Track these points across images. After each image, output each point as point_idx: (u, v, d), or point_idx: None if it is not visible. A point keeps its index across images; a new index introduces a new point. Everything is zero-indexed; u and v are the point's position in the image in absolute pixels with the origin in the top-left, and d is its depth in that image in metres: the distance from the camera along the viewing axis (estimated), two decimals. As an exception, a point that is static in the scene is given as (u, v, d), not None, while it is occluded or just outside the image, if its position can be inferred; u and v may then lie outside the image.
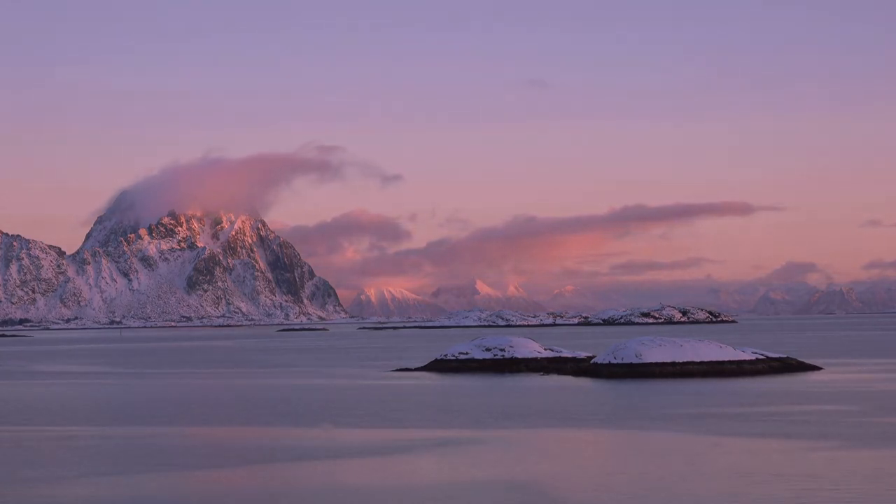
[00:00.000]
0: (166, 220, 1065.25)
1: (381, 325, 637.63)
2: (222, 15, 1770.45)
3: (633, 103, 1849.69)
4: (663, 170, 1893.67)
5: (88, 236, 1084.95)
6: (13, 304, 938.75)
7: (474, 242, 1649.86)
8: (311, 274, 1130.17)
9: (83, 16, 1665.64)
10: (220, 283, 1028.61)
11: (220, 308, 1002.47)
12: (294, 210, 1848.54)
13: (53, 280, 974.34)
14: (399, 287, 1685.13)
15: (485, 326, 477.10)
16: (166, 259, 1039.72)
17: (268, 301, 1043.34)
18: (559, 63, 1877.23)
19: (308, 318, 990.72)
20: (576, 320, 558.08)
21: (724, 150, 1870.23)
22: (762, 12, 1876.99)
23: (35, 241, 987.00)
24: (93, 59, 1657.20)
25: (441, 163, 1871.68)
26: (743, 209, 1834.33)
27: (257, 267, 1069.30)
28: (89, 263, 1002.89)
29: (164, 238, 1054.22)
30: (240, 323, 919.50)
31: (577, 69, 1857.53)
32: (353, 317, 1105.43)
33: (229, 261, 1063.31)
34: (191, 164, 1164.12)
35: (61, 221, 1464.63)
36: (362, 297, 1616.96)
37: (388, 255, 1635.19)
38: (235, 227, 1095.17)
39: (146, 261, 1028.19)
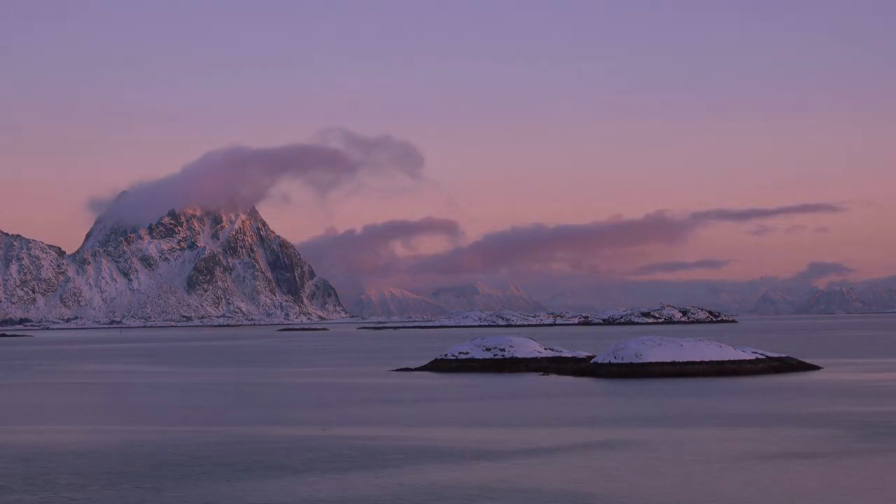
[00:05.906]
0: (166, 220, 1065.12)
1: (380, 325, 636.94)
2: (231, 14, 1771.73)
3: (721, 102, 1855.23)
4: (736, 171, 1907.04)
5: (88, 236, 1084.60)
6: (13, 303, 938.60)
7: (555, 241, 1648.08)
8: (312, 274, 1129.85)
9: (83, 17, 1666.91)
10: (220, 283, 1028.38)
11: (220, 308, 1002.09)
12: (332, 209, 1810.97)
13: (53, 280, 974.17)
14: (399, 288, 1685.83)
15: (485, 326, 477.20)
16: (166, 259, 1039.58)
17: (268, 301, 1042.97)
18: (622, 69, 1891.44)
19: (308, 318, 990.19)
20: (576, 320, 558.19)
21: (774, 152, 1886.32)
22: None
23: (35, 241, 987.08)
24: (95, 59, 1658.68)
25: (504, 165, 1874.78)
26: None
27: (257, 267, 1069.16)
28: (89, 263, 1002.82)
29: (164, 238, 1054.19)
30: (240, 323, 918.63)
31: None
32: (353, 316, 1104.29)
33: (229, 260, 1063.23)
34: (190, 164, 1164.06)
35: (61, 221, 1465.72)
36: (362, 296, 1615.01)
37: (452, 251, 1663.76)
38: (235, 226, 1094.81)
39: (146, 261, 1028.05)
